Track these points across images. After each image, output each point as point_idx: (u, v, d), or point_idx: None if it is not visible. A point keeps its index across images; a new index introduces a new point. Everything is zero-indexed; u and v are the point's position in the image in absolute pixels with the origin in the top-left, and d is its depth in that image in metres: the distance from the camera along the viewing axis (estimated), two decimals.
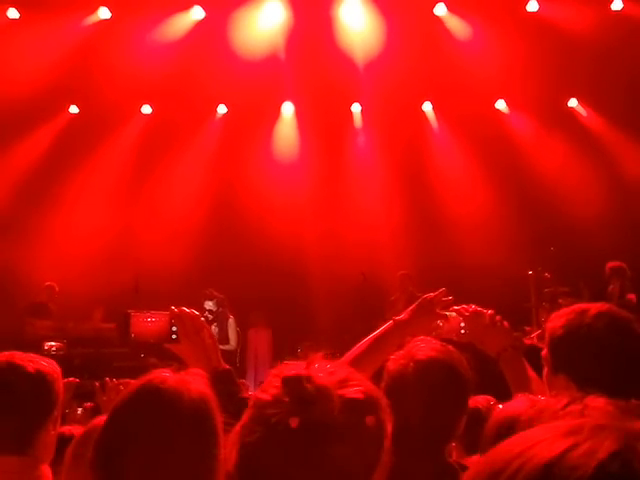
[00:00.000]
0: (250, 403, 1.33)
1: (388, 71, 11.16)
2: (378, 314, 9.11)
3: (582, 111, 12.42)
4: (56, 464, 2.31)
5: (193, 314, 2.23)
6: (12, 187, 11.48)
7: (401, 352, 2.23)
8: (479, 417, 2.74)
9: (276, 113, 12.63)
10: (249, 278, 11.17)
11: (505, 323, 2.56)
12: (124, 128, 12.14)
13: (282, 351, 10.25)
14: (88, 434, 2.16)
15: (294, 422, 1.22)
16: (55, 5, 10.37)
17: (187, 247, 11.35)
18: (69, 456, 2.24)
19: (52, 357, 2.85)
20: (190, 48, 11.06)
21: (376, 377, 2.25)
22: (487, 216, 11.67)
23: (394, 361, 2.20)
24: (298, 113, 12.59)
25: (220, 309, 9.56)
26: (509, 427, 1.67)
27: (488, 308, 2.63)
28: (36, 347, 8.44)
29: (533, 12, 11.08)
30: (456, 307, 2.57)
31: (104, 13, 10.97)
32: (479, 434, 2.04)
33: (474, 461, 2.32)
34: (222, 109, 12.55)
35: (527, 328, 8.95)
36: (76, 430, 2.55)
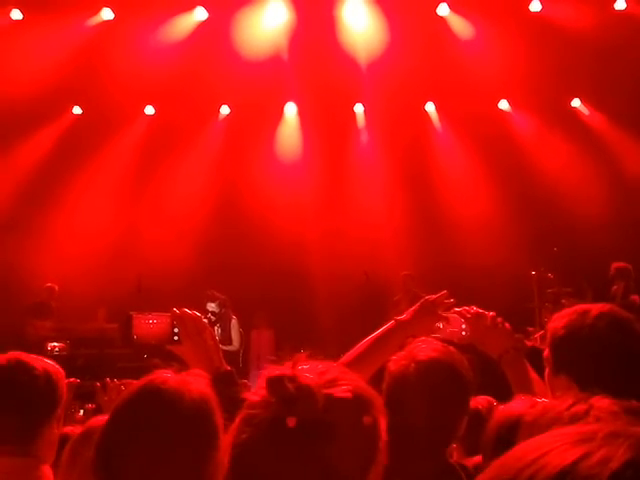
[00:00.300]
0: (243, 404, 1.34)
1: (391, 71, 11.15)
2: (381, 314, 9.10)
3: (585, 111, 12.41)
4: (56, 465, 2.33)
5: (195, 315, 2.24)
6: (16, 187, 11.51)
7: (402, 353, 2.23)
8: (479, 418, 2.74)
9: (279, 113, 12.63)
10: (252, 278, 11.18)
11: (506, 325, 2.56)
12: (127, 129, 12.16)
13: (285, 352, 10.24)
14: (86, 434, 2.17)
15: (291, 422, 1.22)
16: (58, 6, 10.38)
17: (190, 247, 11.37)
18: (66, 455, 2.25)
19: (55, 358, 2.86)
20: (193, 49, 11.07)
21: (377, 378, 2.25)
22: (490, 216, 11.66)
23: (395, 362, 2.21)
24: (301, 113, 12.59)
25: (223, 310, 9.56)
26: (510, 428, 1.67)
27: (491, 308, 2.63)
28: (38, 348, 8.46)
29: (536, 12, 11.07)
30: (457, 309, 2.56)
31: (107, 14, 10.99)
32: (479, 435, 2.04)
33: (475, 462, 2.32)
34: (225, 110, 12.56)
35: (530, 329, 8.94)
36: (78, 431, 2.56)
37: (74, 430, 2.58)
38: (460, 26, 11.35)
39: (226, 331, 9.53)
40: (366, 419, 1.28)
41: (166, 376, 1.63)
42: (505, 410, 1.89)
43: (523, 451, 0.73)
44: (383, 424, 1.34)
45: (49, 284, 10.54)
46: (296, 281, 11.55)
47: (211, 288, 9.73)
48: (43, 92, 10.51)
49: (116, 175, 12.01)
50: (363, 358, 2.38)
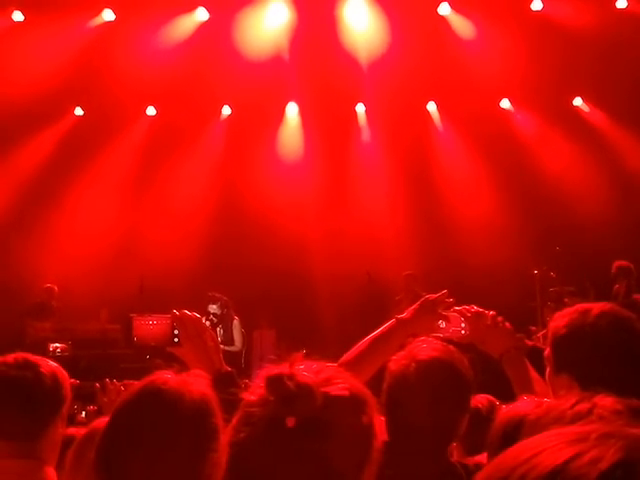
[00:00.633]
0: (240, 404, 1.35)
1: (392, 71, 11.15)
2: (383, 314, 9.10)
3: (587, 110, 12.40)
4: (60, 466, 2.33)
5: (195, 317, 2.24)
6: (18, 188, 11.53)
7: (402, 352, 2.23)
8: (480, 417, 2.74)
9: (280, 114, 12.64)
10: (254, 279, 11.19)
11: (507, 324, 2.56)
12: (129, 130, 12.18)
13: (287, 352, 10.24)
14: (89, 435, 2.17)
15: (291, 422, 1.22)
16: (59, 7, 10.39)
17: (192, 248, 11.38)
18: (71, 457, 2.25)
19: (57, 359, 2.87)
20: (194, 49, 11.08)
21: (378, 378, 2.25)
22: (492, 215, 11.66)
23: (396, 361, 2.21)
24: (302, 113, 12.60)
25: (224, 311, 9.56)
26: (515, 427, 1.67)
27: (493, 307, 2.64)
28: (40, 349, 8.46)
29: (537, 11, 11.06)
30: (458, 308, 2.57)
31: (108, 15, 11.01)
32: (480, 434, 2.04)
33: (476, 461, 2.31)
34: (226, 110, 12.57)
35: (532, 328, 8.93)
36: (80, 432, 2.57)
37: (78, 431, 2.58)
38: (461, 25, 11.35)
39: (228, 332, 9.53)
40: (362, 417, 1.30)
41: (167, 377, 1.63)
42: (510, 410, 1.89)
43: (518, 450, 0.75)
44: (378, 422, 1.34)
45: (48, 285, 10.53)
46: (298, 281, 11.56)
47: (213, 289, 9.74)
48: (45, 93, 10.53)
49: (118, 176, 12.03)
50: (364, 357, 2.38)
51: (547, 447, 0.73)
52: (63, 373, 2.34)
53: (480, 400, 3.03)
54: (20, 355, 2.30)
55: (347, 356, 2.43)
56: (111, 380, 3.33)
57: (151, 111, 12.34)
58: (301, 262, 11.58)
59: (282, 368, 1.31)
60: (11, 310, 10.23)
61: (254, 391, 1.31)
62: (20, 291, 10.78)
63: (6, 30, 10.70)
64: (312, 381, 1.28)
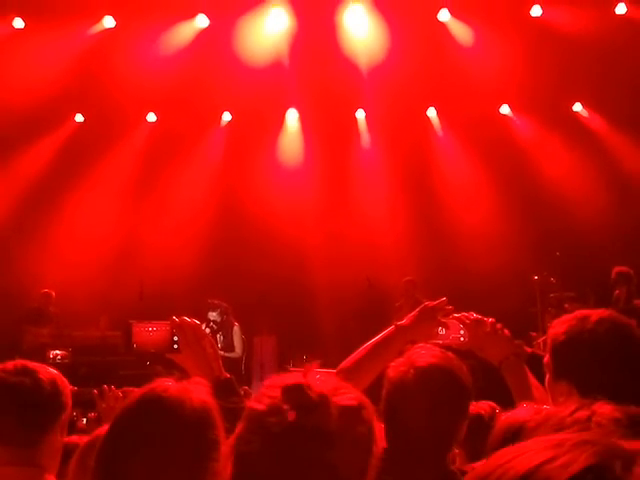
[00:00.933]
0: (244, 414, 1.35)
1: (392, 77, 11.17)
2: (383, 320, 9.09)
3: (586, 115, 12.41)
4: (63, 475, 2.33)
5: (194, 323, 2.24)
6: (19, 194, 11.53)
7: (401, 359, 2.23)
8: (481, 423, 2.74)
9: (281, 120, 12.65)
10: (254, 285, 11.18)
11: (506, 331, 2.56)
12: (129, 136, 12.19)
13: (287, 358, 10.25)
14: (92, 443, 2.17)
15: (291, 416, 1.24)
16: (60, 14, 10.41)
17: (192, 254, 11.37)
18: (73, 466, 2.26)
19: (57, 366, 2.87)
20: (194, 56, 11.09)
21: (376, 384, 2.25)
22: (492, 221, 11.66)
23: (394, 368, 2.21)
24: (302, 120, 12.61)
25: (224, 317, 9.55)
26: (514, 434, 1.67)
27: (494, 313, 2.64)
28: (38, 354, 8.45)
29: (537, 17, 11.08)
30: (457, 314, 2.57)
31: (109, 22, 11.02)
32: (482, 440, 2.04)
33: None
34: (227, 116, 12.59)
35: (533, 333, 8.94)
36: (81, 440, 2.57)
37: (80, 439, 2.58)
38: (461, 32, 11.37)
39: (228, 338, 9.52)
40: (366, 426, 1.32)
41: (167, 384, 1.63)
42: (510, 417, 1.89)
43: (500, 455, 0.79)
44: (378, 430, 1.36)
45: (46, 290, 10.44)
46: (298, 287, 11.56)
47: (212, 296, 9.72)
48: (45, 100, 10.55)
49: (118, 182, 12.04)
50: (363, 363, 2.39)
51: (526, 451, 0.76)
52: (63, 380, 2.34)
53: (482, 407, 3.02)
54: (20, 362, 2.30)
55: (346, 362, 2.43)
56: (110, 387, 3.33)
57: (151, 117, 12.36)
58: (301, 268, 11.58)
59: (297, 378, 1.32)
60: (11, 316, 10.22)
61: (262, 400, 1.31)
62: (20, 297, 10.77)
63: (7, 37, 10.73)
64: (327, 391, 1.30)
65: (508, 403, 2.34)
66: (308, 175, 12.32)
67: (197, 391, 1.64)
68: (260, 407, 1.30)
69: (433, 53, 11.11)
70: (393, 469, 1.67)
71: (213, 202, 12.04)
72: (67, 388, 2.34)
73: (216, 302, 9.53)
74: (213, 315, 9.43)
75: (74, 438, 2.64)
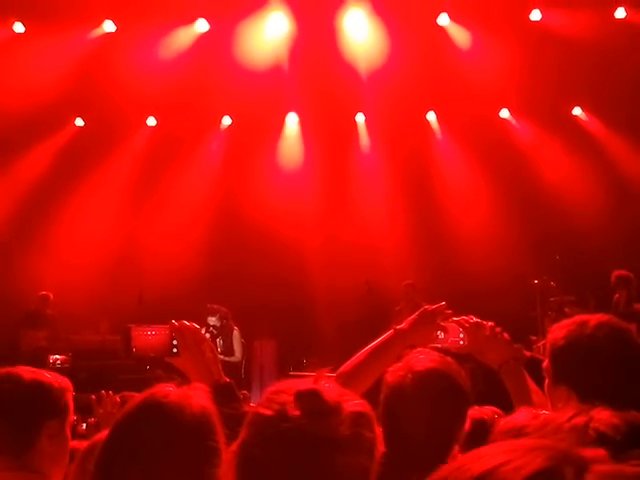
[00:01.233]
0: (247, 420, 1.34)
1: (392, 81, 11.18)
2: (383, 324, 9.09)
3: (586, 119, 12.43)
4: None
5: (193, 327, 2.24)
6: (18, 199, 11.54)
7: (399, 364, 2.23)
8: (484, 428, 2.73)
9: (280, 124, 12.67)
10: (254, 288, 11.18)
11: (505, 335, 2.56)
12: (129, 140, 12.21)
13: (287, 362, 10.24)
14: (91, 449, 2.17)
15: (304, 421, 1.24)
16: (60, 19, 10.43)
17: (191, 258, 11.38)
18: (73, 471, 2.25)
19: (57, 370, 2.85)
20: (194, 60, 11.11)
21: (374, 389, 2.25)
22: (492, 224, 11.66)
23: (392, 373, 2.20)
24: (302, 123, 12.62)
25: (224, 322, 9.54)
26: (512, 439, 1.68)
27: (493, 317, 2.63)
28: (35, 358, 8.42)
29: (536, 21, 11.09)
30: (456, 318, 2.57)
31: (109, 26, 11.03)
32: (484, 445, 2.03)
33: None
34: (227, 120, 12.60)
35: (533, 337, 8.93)
36: (81, 445, 2.56)
37: (80, 444, 2.57)
38: (460, 36, 11.39)
39: (228, 342, 9.51)
40: (371, 431, 1.34)
41: (167, 390, 1.63)
42: (508, 422, 1.89)
43: (464, 457, 0.83)
44: (379, 435, 1.38)
45: (43, 292, 10.35)
46: (298, 291, 11.56)
47: (212, 299, 9.71)
48: (45, 104, 10.56)
49: (118, 186, 12.05)
50: (362, 368, 2.38)
51: (482, 455, 0.80)
52: (54, 383, 2.28)
53: (485, 412, 3.02)
54: (5, 369, 2.27)
55: (345, 367, 2.43)
56: (107, 392, 3.32)
57: (152, 121, 12.37)
58: (301, 272, 11.58)
59: (306, 384, 1.32)
60: (10, 319, 10.21)
61: (269, 405, 1.31)
62: (20, 301, 10.76)
63: (7, 41, 10.74)
64: (338, 397, 1.31)
65: (507, 407, 2.33)
66: (308, 179, 12.33)
67: (197, 397, 1.64)
68: (268, 412, 1.30)
69: (433, 57, 11.13)
70: (391, 473, 1.67)
71: (213, 206, 12.05)
72: (58, 392, 2.28)
73: (215, 307, 9.52)
74: (212, 320, 9.41)
75: (74, 443, 2.63)
